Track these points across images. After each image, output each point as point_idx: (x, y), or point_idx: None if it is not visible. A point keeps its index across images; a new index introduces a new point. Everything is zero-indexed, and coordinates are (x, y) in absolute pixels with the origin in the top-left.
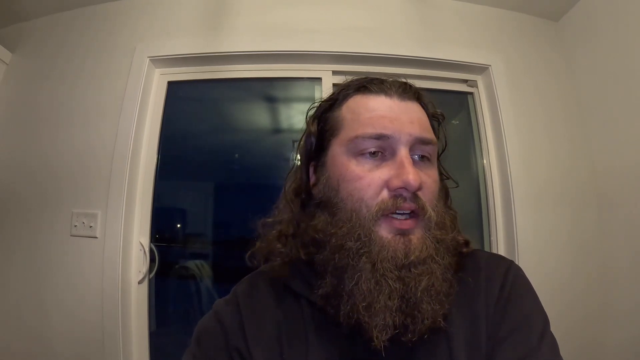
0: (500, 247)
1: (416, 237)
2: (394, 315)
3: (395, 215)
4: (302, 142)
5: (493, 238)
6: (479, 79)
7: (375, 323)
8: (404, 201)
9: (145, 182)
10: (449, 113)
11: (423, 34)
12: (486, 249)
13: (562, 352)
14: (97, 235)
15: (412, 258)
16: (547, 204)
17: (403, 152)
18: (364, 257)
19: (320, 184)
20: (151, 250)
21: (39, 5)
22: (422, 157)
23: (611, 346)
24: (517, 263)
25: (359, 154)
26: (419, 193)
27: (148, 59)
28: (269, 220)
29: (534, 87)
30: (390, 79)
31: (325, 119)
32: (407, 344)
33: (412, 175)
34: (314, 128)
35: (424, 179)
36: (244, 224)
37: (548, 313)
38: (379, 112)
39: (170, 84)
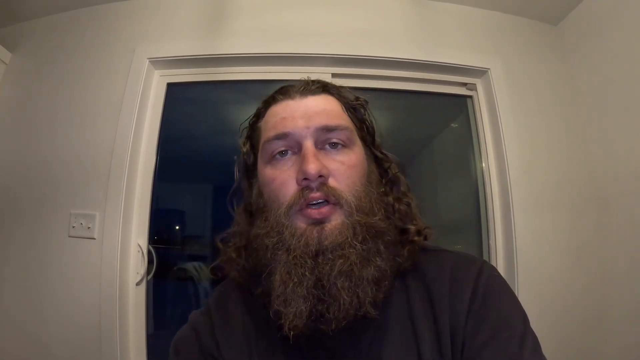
0: (499, 251)
1: (332, 224)
2: (309, 303)
3: (310, 206)
4: (240, 161)
5: (492, 242)
6: (478, 83)
7: (288, 312)
8: (311, 192)
9: (144, 184)
10: (448, 116)
11: (422, 37)
12: (484, 253)
13: (561, 355)
14: (95, 237)
15: (325, 243)
16: (546, 208)
17: (306, 145)
18: (280, 251)
19: (255, 195)
20: (149, 252)
21: (39, 5)
22: (335, 145)
23: (610, 349)
24: (515, 267)
25: (271, 157)
26: (330, 180)
27: (147, 60)
28: (225, 235)
29: (533, 90)
30: (298, 81)
31: (252, 136)
32: (328, 333)
33: (310, 165)
34: (245, 149)
35: (333, 166)
36: None
37: (547, 316)
38: (281, 114)
39: (170, 85)
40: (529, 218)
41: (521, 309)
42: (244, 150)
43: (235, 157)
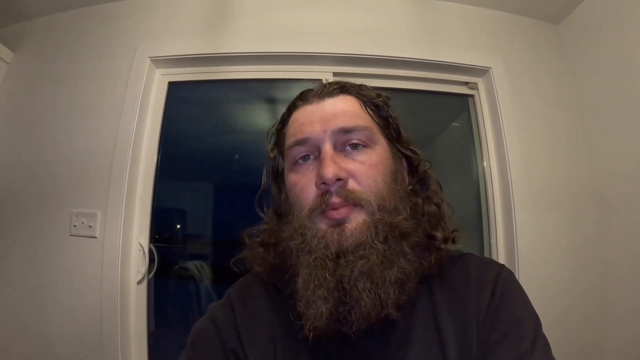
0: (500, 250)
1: (352, 224)
2: (329, 304)
3: (331, 209)
4: (268, 165)
5: (493, 241)
6: (480, 82)
7: (309, 313)
8: (330, 196)
9: (145, 182)
10: (450, 115)
11: (424, 36)
12: (486, 252)
13: (562, 355)
14: (97, 235)
15: (346, 245)
16: (547, 207)
17: (324, 149)
18: (303, 253)
19: (283, 199)
20: (150, 251)
21: (41, 4)
22: (355, 145)
23: (611, 348)
24: (516, 266)
25: (294, 163)
26: (350, 182)
27: (149, 59)
28: (254, 230)
29: (534, 89)
30: (318, 84)
31: (279, 142)
32: (354, 334)
33: (327, 169)
34: (273, 154)
35: (352, 166)
36: (244, 225)
37: (548, 316)
38: (300, 120)
39: (171, 84)
40: (530, 217)
41: (534, 312)
42: (271, 156)
43: (258, 160)
